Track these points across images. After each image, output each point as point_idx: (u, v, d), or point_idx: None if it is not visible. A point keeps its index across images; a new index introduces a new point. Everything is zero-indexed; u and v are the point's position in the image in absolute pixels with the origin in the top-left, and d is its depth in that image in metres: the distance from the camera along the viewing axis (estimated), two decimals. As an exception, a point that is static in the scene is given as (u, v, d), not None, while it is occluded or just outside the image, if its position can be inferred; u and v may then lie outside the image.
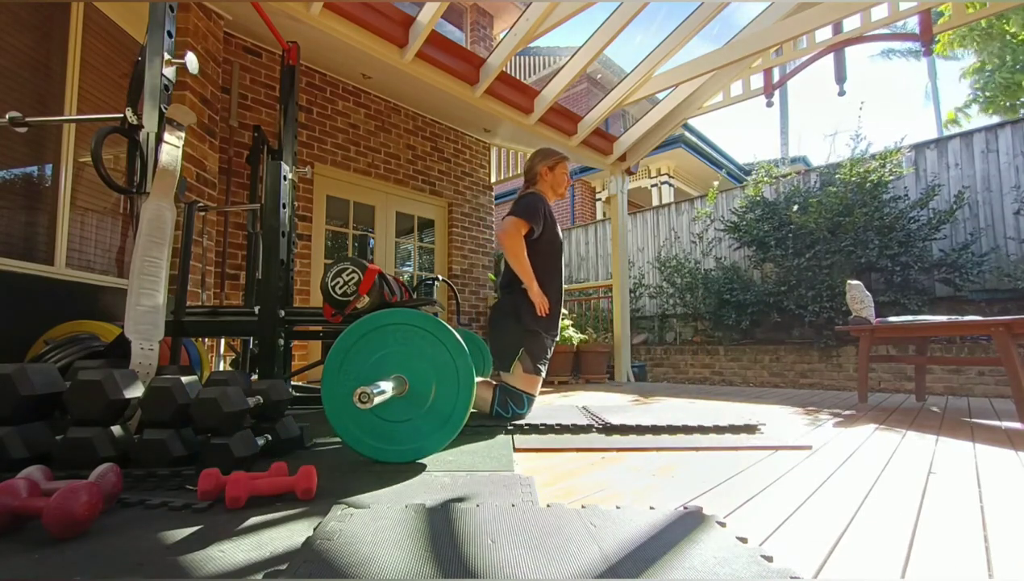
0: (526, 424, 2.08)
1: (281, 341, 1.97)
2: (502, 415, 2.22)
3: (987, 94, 7.42)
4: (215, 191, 3.16)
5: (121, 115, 1.63)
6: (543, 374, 2.32)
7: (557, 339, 2.43)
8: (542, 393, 3.69)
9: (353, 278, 1.79)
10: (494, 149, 6.11)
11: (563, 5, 3.15)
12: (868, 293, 3.08)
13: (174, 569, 0.77)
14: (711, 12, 3.42)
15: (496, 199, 7.07)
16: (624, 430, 2.01)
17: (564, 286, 2.49)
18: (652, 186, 10.17)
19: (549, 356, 2.36)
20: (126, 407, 1.29)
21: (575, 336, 4.92)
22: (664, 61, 3.80)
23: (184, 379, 1.33)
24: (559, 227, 2.44)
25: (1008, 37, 6.88)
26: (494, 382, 2.29)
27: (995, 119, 7.31)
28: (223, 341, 2.94)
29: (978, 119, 7.71)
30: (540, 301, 2.25)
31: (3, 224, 2.25)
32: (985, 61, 7.32)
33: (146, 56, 1.64)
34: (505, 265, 2.37)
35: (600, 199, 10.98)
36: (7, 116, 1.60)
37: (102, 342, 2.01)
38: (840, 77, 3.72)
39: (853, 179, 5.07)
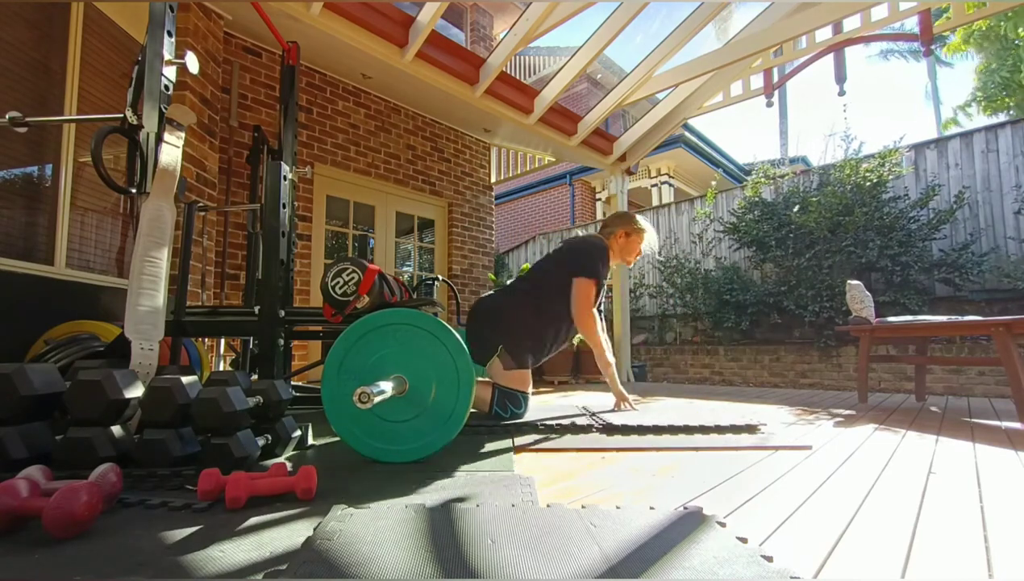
0: (526, 424, 2.08)
1: (281, 341, 1.97)
2: (500, 415, 2.22)
3: (987, 93, 7.45)
4: (215, 191, 3.16)
5: (121, 115, 1.63)
6: (529, 365, 2.29)
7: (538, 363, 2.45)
8: (543, 392, 3.69)
9: (353, 278, 1.79)
10: (494, 149, 6.11)
11: (563, 5, 3.15)
12: (868, 293, 3.08)
13: (174, 569, 0.77)
14: (711, 12, 3.43)
15: (496, 199, 7.07)
16: (624, 430, 2.00)
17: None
18: (652, 186, 10.18)
19: (539, 357, 2.34)
20: (126, 407, 1.29)
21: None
22: (664, 61, 3.80)
23: (184, 379, 1.33)
24: (604, 292, 2.49)
25: (1010, 39, 6.92)
26: (492, 382, 2.29)
27: (996, 119, 7.33)
28: (223, 341, 2.94)
29: (979, 119, 7.74)
30: (620, 398, 2.37)
31: (3, 224, 2.25)
32: (988, 61, 7.35)
33: (146, 56, 1.64)
34: (538, 271, 2.40)
35: (600, 199, 10.98)
36: (7, 116, 1.60)
37: (102, 342, 2.01)
38: (840, 77, 3.72)
39: (853, 178, 5.07)
